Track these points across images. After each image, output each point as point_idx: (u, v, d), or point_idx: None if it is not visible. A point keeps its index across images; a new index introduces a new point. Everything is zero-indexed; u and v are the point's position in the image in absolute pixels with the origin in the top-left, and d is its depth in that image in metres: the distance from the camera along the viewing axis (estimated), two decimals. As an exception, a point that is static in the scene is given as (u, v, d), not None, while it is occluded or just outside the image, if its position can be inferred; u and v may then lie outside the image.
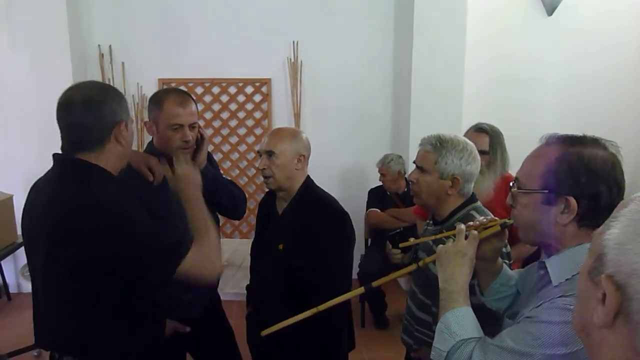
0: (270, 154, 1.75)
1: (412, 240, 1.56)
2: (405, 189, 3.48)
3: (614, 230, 0.59)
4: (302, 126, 4.07)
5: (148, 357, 1.38)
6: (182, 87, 3.72)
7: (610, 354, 0.57)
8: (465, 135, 2.28)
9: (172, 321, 1.63)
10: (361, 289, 1.28)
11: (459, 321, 1.05)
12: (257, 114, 4.07)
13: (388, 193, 3.53)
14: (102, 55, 3.87)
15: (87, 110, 1.22)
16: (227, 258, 2.65)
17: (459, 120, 3.60)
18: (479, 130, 2.29)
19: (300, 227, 1.73)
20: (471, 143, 1.62)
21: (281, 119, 4.05)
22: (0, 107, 3.73)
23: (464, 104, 3.78)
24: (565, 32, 4.02)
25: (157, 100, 1.79)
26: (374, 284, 1.28)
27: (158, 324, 1.46)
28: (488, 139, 2.25)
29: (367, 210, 3.55)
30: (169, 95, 1.80)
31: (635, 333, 0.54)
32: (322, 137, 4.10)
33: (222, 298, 2.11)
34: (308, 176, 1.83)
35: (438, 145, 1.57)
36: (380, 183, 3.60)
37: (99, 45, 3.87)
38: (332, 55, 4.00)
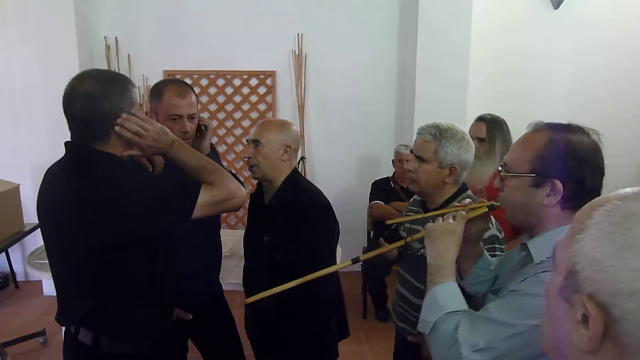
0: (256, 142, 1.75)
1: (403, 234, 1.61)
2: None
3: (584, 244, 0.54)
4: (306, 119, 4.08)
5: (156, 338, 1.42)
6: (187, 79, 3.76)
7: None
8: (470, 127, 2.35)
9: (175, 308, 1.66)
10: (347, 262, 1.30)
11: (446, 294, 1.09)
12: (262, 106, 4.08)
13: (392, 186, 3.55)
14: (108, 47, 3.89)
15: (88, 106, 1.24)
16: (230, 248, 2.68)
17: (463, 113, 3.60)
18: (478, 119, 2.39)
19: (283, 219, 1.72)
20: (466, 131, 1.65)
21: (285, 111, 4.06)
22: (8, 99, 3.78)
23: (469, 98, 3.78)
24: (571, 25, 4.00)
25: (157, 91, 1.81)
26: (362, 257, 1.31)
27: (166, 308, 1.51)
28: (485, 126, 2.31)
29: (370, 202, 3.57)
30: (169, 85, 1.82)
31: (625, 355, 0.50)
32: (326, 130, 4.13)
33: (224, 288, 2.15)
34: (295, 168, 1.81)
35: (437, 134, 1.58)
36: (385, 175, 3.63)
37: (105, 37, 3.89)
38: (337, 48, 4.00)
